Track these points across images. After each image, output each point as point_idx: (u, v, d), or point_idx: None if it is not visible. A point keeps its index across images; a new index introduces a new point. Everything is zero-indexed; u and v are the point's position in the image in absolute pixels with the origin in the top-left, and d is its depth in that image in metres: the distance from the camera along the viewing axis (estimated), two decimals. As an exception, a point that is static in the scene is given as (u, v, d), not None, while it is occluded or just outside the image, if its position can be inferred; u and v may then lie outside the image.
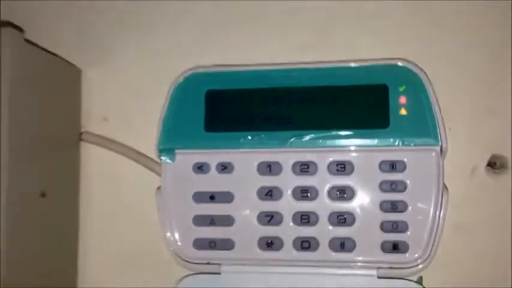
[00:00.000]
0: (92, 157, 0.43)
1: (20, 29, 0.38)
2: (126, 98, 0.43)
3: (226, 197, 0.40)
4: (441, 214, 0.37)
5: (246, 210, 0.39)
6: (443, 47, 0.40)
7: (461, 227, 0.38)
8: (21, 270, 0.35)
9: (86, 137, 0.43)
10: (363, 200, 0.38)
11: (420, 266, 0.37)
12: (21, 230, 0.35)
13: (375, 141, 0.38)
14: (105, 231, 0.43)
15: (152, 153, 0.41)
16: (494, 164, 0.39)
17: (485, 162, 0.39)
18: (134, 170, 0.42)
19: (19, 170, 0.35)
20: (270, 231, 0.39)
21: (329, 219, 0.38)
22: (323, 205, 0.39)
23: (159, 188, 0.41)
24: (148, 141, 0.41)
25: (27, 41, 0.37)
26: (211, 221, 0.40)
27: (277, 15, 0.42)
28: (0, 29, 0.34)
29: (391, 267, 0.38)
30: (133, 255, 0.42)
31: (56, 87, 0.40)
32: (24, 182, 0.36)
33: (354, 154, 0.38)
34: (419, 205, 0.37)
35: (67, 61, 0.42)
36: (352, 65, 0.39)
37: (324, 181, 0.39)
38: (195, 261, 0.40)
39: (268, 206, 0.39)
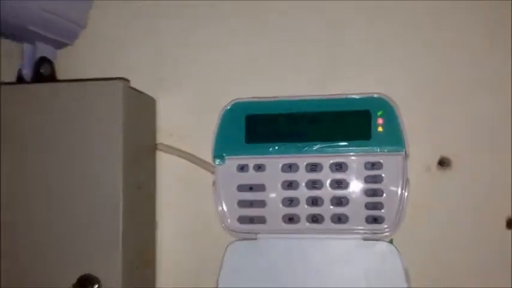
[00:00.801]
0: (164, 162, 0.62)
1: (126, 80, 0.56)
2: (188, 118, 0.62)
3: (261, 188, 0.58)
4: (405, 197, 0.56)
5: (274, 196, 0.58)
6: (409, 80, 0.58)
7: (418, 206, 0.57)
8: (135, 238, 0.54)
9: (160, 147, 0.62)
10: (353, 189, 0.57)
11: (391, 232, 0.56)
12: (130, 209, 0.54)
13: (361, 149, 0.57)
14: (176, 213, 0.61)
15: (208, 158, 0.59)
16: (443, 163, 0.58)
17: (436, 162, 0.58)
18: (196, 170, 0.60)
19: (127, 169, 0.53)
20: (291, 210, 0.57)
21: (331, 201, 0.57)
22: (327, 192, 0.57)
23: (213, 183, 0.59)
24: (204, 150, 0.60)
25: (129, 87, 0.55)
26: (250, 204, 0.58)
27: (293, 58, 0.61)
28: (114, 82, 0.52)
29: (373, 233, 0.56)
30: (198, 229, 0.61)
31: (143, 113, 0.59)
32: (130, 177, 0.54)
33: (347, 158, 0.57)
34: (391, 191, 0.56)
35: (148, 95, 0.60)
36: (347, 97, 0.58)
37: (327, 176, 0.57)
38: (239, 231, 0.58)
39: (289, 193, 0.58)
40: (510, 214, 0.56)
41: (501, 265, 0.56)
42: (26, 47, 0.58)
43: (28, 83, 0.58)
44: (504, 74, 0.57)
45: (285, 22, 0.61)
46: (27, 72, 0.58)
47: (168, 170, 0.62)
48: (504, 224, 0.56)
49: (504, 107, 0.57)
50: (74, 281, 0.52)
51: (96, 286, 0.52)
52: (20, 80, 0.58)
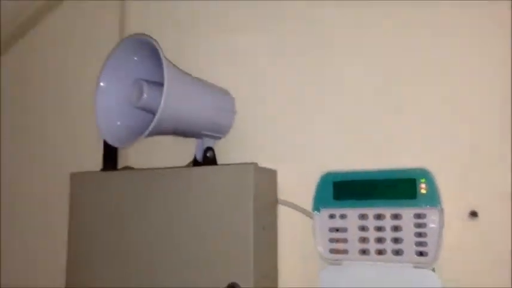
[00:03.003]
0: (282, 211, 0.94)
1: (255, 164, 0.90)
2: (298, 183, 0.94)
3: (344, 230, 0.87)
4: (442, 239, 0.81)
5: (352, 236, 0.86)
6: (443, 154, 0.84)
7: (452, 245, 0.81)
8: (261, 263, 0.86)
9: (280, 201, 0.94)
10: (406, 232, 0.83)
11: (433, 263, 0.81)
12: (258, 241, 0.87)
13: (411, 205, 0.83)
14: (290, 246, 0.93)
15: (309, 209, 0.90)
16: (474, 214, 0.82)
17: (468, 214, 0.82)
18: (301, 217, 0.92)
19: (257, 216, 0.87)
20: (364, 246, 0.85)
21: (391, 240, 0.84)
22: (388, 234, 0.84)
23: (312, 225, 0.90)
24: (307, 204, 0.91)
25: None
26: (337, 241, 0.88)
27: (361, 142, 0.90)
28: (248, 167, 0.87)
29: (420, 263, 0.82)
30: (304, 256, 0.92)
31: (265, 181, 0.92)
32: (257, 220, 0.87)
33: (402, 210, 0.84)
34: (432, 234, 0.81)
35: (269, 168, 0.94)
36: (400, 168, 0.85)
37: (388, 223, 0.84)
38: (329, 259, 0.88)
39: (363, 234, 0.86)
40: None
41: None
42: (198, 141, 0.96)
43: (199, 163, 0.95)
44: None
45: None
46: (199, 157, 0.95)
47: (285, 217, 0.94)
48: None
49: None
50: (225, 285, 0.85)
51: (239, 289, 0.85)
52: (195, 162, 0.95)
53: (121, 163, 1.07)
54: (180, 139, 0.98)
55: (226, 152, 0.99)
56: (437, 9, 0.87)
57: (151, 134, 0.84)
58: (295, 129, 0.97)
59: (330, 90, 0.95)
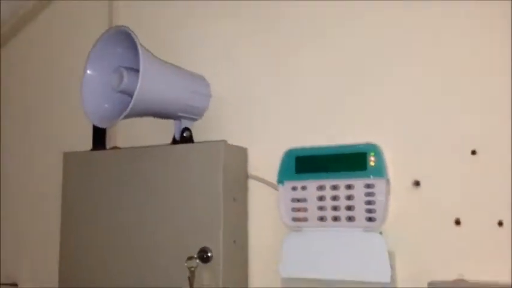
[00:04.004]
0: (253, 185, 1.04)
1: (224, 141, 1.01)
2: (264, 160, 1.04)
3: (304, 200, 0.97)
4: (388, 206, 0.90)
5: (311, 205, 0.97)
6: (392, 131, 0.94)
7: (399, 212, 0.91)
8: (231, 228, 0.97)
9: (250, 176, 1.05)
10: (358, 200, 0.93)
11: (380, 227, 0.91)
12: (228, 211, 0.97)
13: (362, 176, 0.93)
14: (259, 215, 1.03)
15: (273, 180, 1.01)
16: (417, 183, 0.91)
17: (411, 182, 0.92)
18: (268, 189, 1.02)
19: (227, 189, 0.97)
20: (321, 214, 0.96)
21: (345, 208, 0.94)
22: (343, 202, 0.94)
23: (277, 196, 1.00)
24: (273, 178, 1.01)
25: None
26: (298, 210, 0.98)
27: (318, 122, 1.00)
28: (218, 144, 0.97)
29: (369, 227, 0.92)
30: (273, 223, 1.02)
31: (235, 157, 1.03)
32: (228, 194, 0.98)
33: (354, 181, 0.93)
34: (380, 202, 0.91)
35: (240, 146, 1.04)
36: (353, 144, 0.95)
37: (342, 192, 0.94)
38: (292, 226, 0.98)
39: (320, 203, 0.96)
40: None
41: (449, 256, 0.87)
42: (176, 122, 1.06)
43: (177, 142, 1.05)
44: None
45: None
46: (177, 137, 1.06)
47: (255, 190, 1.05)
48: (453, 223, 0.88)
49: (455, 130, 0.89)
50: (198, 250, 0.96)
51: (210, 253, 0.96)
52: (174, 141, 1.06)
53: (109, 144, 1.18)
54: (163, 121, 1.08)
55: (204, 132, 1.09)
56: None
57: (131, 115, 0.95)
58: (264, 111, 1.07)
59: (294, 74, 1.05)
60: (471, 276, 0.85)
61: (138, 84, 0.90)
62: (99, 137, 1.15)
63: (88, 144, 1.16)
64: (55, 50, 1.32)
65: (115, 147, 1.15)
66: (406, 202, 0.92)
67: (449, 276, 0.87)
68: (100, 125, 0.99)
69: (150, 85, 0.93)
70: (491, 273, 0.84)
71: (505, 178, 0.86)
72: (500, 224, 0.85)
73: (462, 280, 0.86)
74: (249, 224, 1.04)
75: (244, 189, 1.05)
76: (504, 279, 0.83)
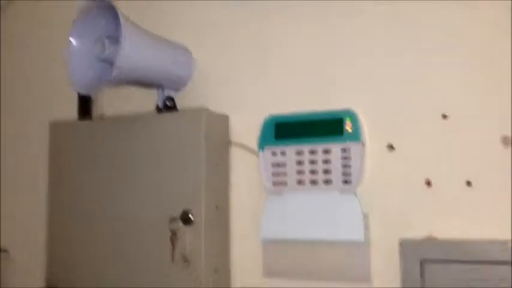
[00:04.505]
0: (234, 150, 1.08)
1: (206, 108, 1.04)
2: (247, 125, 1.07)
3: (284, 164, 1.01)
4: (363, 169, 0.94)
5: (290, 170, 1.00)
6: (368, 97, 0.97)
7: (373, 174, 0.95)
8: (213, 192, 1.01)
9: (233, 143, 1.08)
10: (335, 164, 0.96)
11: (355, 189, 0.95)
12: (211, 176, 1.01)
13: (339, 140, 0.96)
14: (240, 179, 1.07)
15: (255, 146, 1.04)
16: (391, 147, 0.95)
17: (385, 145, 0.95)
18: (249, 155, 1.05)
19: (210, 154, 1.00)
20: (300, 177, 0.99)
21: (323, 171, 0.97)
22: (320, 166, 0.98)
23: (258, 162, 1.03)
24: (254, 144, 1.04)
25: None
26: (278, 174, 1.01)
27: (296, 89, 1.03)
28: (201, 111, 1.00)
29: (345, 190, 0.96)
30: (254, 187, 1.05)
31: (217, 125, 1.06)
32: (212, 159, 1.01)
33: (331, 146, 0.97)
34: (356, 165, 0.95)
35: (221, 114, 1.07)
36: (330, 110, 0.98)
37: (320, 156, 0.98)
38: (272, 190, 1.02)
39: (299, 168, 0.99)
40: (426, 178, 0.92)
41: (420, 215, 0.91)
42: (159, 91, 1.09)
43: (161, 111, 1.08)
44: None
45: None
46: (161, 105, 1.09)
47: (236, 156, 1.08)
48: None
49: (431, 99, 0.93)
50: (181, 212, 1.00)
51: (192, 216, 0.99)
52: (158, 109, 1.09)
53: (95, 113, 1.21)
54: (148, 91, 1.11)
55: (187, 101, 1.12)
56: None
57: (115, 83, 0.98)
58: (245, 79, 1.10)
59: (274, 43, 1.08)
60: (440, 234, 0.90)
61: (120, 52, 0.92)
62: (85, 107, 1.18)
63: (75, 114, 1.19)
64: (39, 20, 1.33)
65: (102, 117, 1.18)
66: (380, 165, 0.96)
67: (420, 234, 0.91)
68: (84, 93, 1.02)
69: (132, 53, 0.95)
70: (459, 230, 0.88)
71: (474, 140, 0.89)
72: (468, 184, 0.89)
73: (431, 237, 0.90)
74: (230, 189, 1.08)
75: (226, 156, 1.08)
76: (471, 235, 0.87)
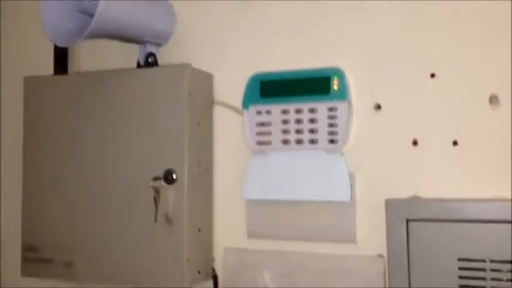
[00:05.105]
0: (217, 109, 1.05)
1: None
2: (230, 84, 1.04)
3: (269, 124, 0.99)
4: (350, 128, 0.93)
5: (276, 128, 0.98)
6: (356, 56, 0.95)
7: (359, 133, 0.94)
8: (197, 151, 0.98)
9: (216, 102, 1.05)
10: (321, 123, 0.95)
11: (342, 148, 0.94)
12: (193, 135, 0.98)
13: (325, 99, 0.95)
14: (223, 139, 1.05)
15: (239, 105, 1.01)
16: (378, 107, 0.94)
17: (372, 105, 0.94)
18: (233, 114, 1.03)
19: (192, 113, 0.98)
20: (285, 137, 0.97)
21: (308, 131, 0.96)
22: (306, 126, 0.96)
23: (242, 121, 1.01)
24: (238, 102, 1.02)
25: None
26: (262, 133, 0.99)
27: (285, 48, 1.00)
28: (183, 67, 0.97)
29: (332, 149, 0.94)
30: (237, 145, 1.03)
31: (201, 82, 1.03)
32: (194, 118, 0.98)
33: (317, 104, 0.95)
34: (342, 124, 0.93)
35: (205, 71, 1.04)
36: (317, 68, 0.96)
37: (306, 116, 0.96)
38: (256, 150, 1.00)
39: (284, 127, 0.98)
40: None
41: (406, 175, 0.91)
42: (141, 47, 1.05)
43: (142, 67, 1.04)
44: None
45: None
46: (142, 62, 1.05)
47: (220, 115, 1.05)
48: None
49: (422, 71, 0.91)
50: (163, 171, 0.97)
51: (175, 175, 0.97)
52: (138, 65, 1.05)
53: (72, 70, 1.16)
54: (128, 46, 1.07)
55: (169, 58, 1.08)
56: None
57: (93, 35, 0.93)
58: (229, 37, 1.06)
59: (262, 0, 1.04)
60: (426, 193, 0.90)
61: (99, 2, 0.88)
62: (61, 61, 1.13)
63: (50, 70, 1.14)
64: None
65: (78, 72, 1.13)
66: (367, 125, 0.95)
67: (406, 194, 0.91)
68: (61, 44, 0.97)
69: (112, 4, 0.91)
70: (444, 190, 0.88)
71: (461, 100, 0.89)
72: (455, 143, 0.89)
73: (417, 197, 0.90)
74: (214, 148, 1.05)
75: (209, 114, 1.05)
76: (456, 195, 0.87)
